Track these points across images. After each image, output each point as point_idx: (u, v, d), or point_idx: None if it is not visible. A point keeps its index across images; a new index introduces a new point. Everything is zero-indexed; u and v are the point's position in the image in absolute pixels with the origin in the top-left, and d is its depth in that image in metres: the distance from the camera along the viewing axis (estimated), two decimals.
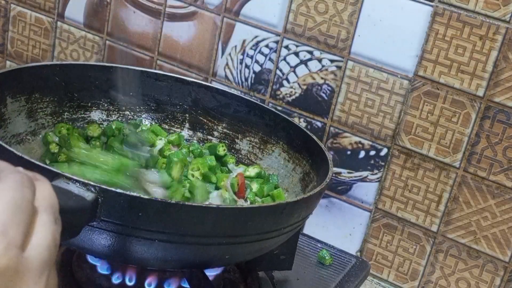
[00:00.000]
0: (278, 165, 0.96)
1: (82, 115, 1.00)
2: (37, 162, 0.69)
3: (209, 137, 1.02)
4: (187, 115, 1.03)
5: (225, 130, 1.01)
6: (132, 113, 1.02)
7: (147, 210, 0.66)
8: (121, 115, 1.02)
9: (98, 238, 0.69)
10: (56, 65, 0.98)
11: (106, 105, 1.01)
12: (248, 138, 0.99)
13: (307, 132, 0.92)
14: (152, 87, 1.02)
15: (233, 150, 1.00)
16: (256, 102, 0.99)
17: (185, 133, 1.02)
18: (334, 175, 1.08)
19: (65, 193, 0.63)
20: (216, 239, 0.71)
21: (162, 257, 0.72)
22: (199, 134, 1.02)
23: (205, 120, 1.02)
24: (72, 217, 0.62)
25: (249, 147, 0.99)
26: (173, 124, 1.03)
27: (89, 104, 1.00)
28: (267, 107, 0.97)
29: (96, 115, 1.01)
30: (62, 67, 0.98)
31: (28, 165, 0.68)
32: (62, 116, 0.98)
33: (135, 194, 0.67)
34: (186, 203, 0.69)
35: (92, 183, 0.65)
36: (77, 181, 0.65)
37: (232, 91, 1.02)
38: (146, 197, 0.67)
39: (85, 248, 0.74)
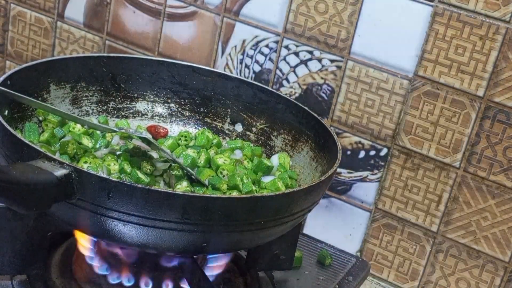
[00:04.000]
0: (304, 163, 0.96)
1: (128, 105, 1.04)
2: (26, 141, 0.73)
3: (248, 132, 1.03)
4: (229, 110, 1.04)
5: (262, 127, 1.02)
6: (177, 106, 1.05)
7: (116, 192, 0.69)
8: (166, 107, 1.05)
9: (79, 215, 0.73)
10: (103, 56, 1.02)
11: (152, 97, 1.04)
12: (282, 136, 1.00)
13: (330, 131, 0.92)
14: (198, 82, 1.04)
15: (268, 147, 1.01)
16: (292, 100, 0.99)
17: (225, 127, 1.04)
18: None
19: (34, 168, 0.67)
20: (187, 226, 0.71)
21: (138, 240, 0.73)
22: (238, 129, 1.04)
23: (245, 116, 1.03)
24: (38, 189, 0.66)
25: (282, 145, 1.00)
26: (215, 118, 1.05)
27: (136, 95, 1.04)
28: (302, 105, 0.98)
29: (141, 106, 1.04)
30: (109, 59, 1.02)
31: (18, 143, 0.73)
32: (108, 105, 1.02)
33: (104, 175, 0.70)
34: (152, 188, 0.69)
35: (67, 162, 0.69)
36: (53, 159, 0.69)
37: (272, 88, 1.04)
38: (114, 179, 0.69)
39: (73, 224, 0.78)
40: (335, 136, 0.90)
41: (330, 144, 0.90)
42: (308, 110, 0.97)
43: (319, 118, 0.96)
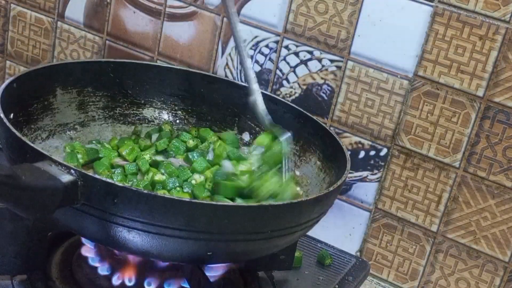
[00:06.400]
0: (312, 174, 0.95)
1: (134, 111, 1.03)
2: (29, 143, 0.72)
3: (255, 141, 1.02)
4: (236, 118, 1.04)
5: None
6: (184, 113, 1.04)
7: (121, 198, 0.68)
8: (173, 114, 1.04)
9: (83, 220, 0.72)
10: (110, 62, 1.01)
11: (159, 103, 1.04)
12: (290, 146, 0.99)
13: (339, 142, 0.91)
14: (206, 89, 1.04)
15: None
16: (301, 110, 0.98)
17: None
18: None
19: (41, 172, 0.66)
20: (192, 233, 0.70)
21: (143, 247, 0.72)
22: (245, 138, 1.03)
23: (253, 125, 1.02)
24: (44, 195, 0.65)
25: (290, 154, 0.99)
26: (222, 126, 1.04)
27: (143, 102, 1.03)
28: (310, 115, 0.96)
29: (148, 112, 1.03)
30: (116, 64, 1.01)
31: (23, 146, 0.73)
32: (114, 111, 1.01)
33: (109, 180, 0.69)
34: (158, 194, 0.68)
35: (73, 166, 0.68)
36: (59, 164, 0.68)
37: (280, 97, 1.03)
38: (119, 184, 0.68)
39: (75, 229, 0.77)
40: (344, 147, 0.89)
41: (339, 154, 0.89)
42: (316, 119, 0.96)
43: (327, 128, 0.95)
